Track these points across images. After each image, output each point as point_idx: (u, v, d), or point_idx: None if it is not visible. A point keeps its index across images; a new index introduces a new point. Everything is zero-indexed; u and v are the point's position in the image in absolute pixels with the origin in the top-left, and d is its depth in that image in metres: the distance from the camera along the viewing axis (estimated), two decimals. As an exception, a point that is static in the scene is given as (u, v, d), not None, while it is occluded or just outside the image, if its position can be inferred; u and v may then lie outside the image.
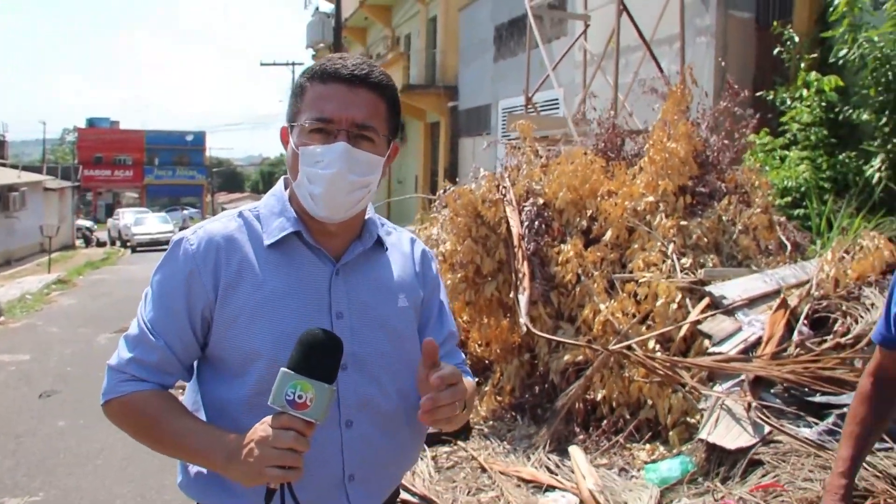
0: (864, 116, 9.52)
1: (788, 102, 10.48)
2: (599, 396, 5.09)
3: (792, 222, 8.20)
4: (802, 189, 9.33)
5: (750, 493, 3.65)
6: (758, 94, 11.46)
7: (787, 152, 10.50)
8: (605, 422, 5.05)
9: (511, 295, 5.58)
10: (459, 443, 5.29)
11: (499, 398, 5.80)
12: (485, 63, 18.99)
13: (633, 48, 12.43)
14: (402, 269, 1.78)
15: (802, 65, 10.47)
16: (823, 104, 10.17)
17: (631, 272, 5.53)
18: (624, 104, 10.89)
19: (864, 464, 3.66)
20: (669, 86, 7.10)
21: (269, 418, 1.41)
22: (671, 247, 5.52)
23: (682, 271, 5.39)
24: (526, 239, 5.66)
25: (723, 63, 11.64)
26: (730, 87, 7.09)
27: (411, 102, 21.47)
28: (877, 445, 3.78)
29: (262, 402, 1.46)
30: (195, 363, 1.70)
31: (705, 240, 5.67)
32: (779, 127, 10.64)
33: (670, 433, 4.76)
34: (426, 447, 5.20)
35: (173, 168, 64.37)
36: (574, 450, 4.72)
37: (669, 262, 5.47)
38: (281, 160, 66.54)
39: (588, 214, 5.94)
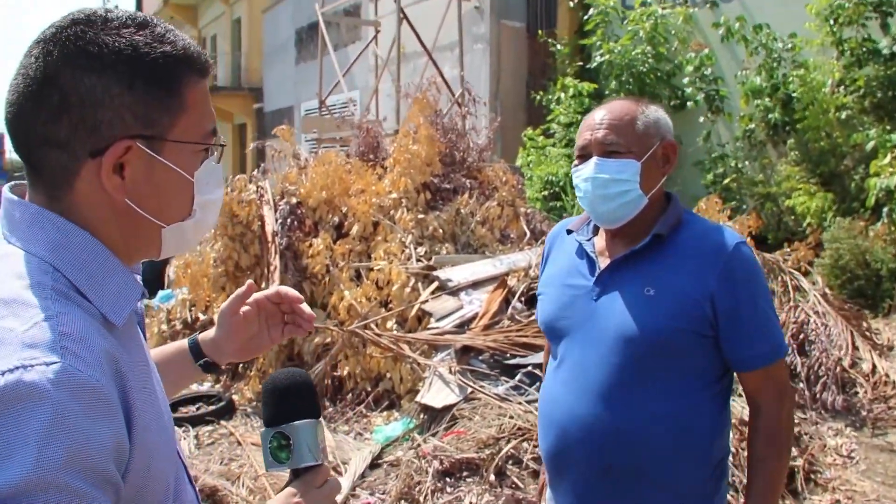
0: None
1: (555, 105, 11.61)
2: (345, 372, 5.72)
3: (548, 213, 9.18)
4: (561, 183, 10.41)
5: (441, 441, 4.36)
6: (530, 96, 12.57)
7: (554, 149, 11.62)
8: (349, 395, 5.69)
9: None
10: (222, 422, 5.76)
11: (262, 381, 6.30)
12: (287, 65, 19.34)
13: (420, 53, 13.23)
14: None
15: (568, 70, 11.59)
16: (581, 107, 11.33)
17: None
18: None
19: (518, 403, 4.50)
20: (424, 92, 7.83)
21: (294, 486, 1.21)
22: (409, 238, 6.23)
23: (417, 259, 6.10)
24: (279, 235, 6.20)
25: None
26: (470, 94, 7.89)
27: (218, 104, 21.36)
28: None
29: None
30: None
31: (441, 231, 6.41)
32: (546, 127, 11.74)
33: (402, 400, 5.45)
34: (190, 427, 5.67)
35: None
36: (314, 420, 5.32)
37: (407, 251, 6.17)
38: None
39: (341, 211, 6.56)
